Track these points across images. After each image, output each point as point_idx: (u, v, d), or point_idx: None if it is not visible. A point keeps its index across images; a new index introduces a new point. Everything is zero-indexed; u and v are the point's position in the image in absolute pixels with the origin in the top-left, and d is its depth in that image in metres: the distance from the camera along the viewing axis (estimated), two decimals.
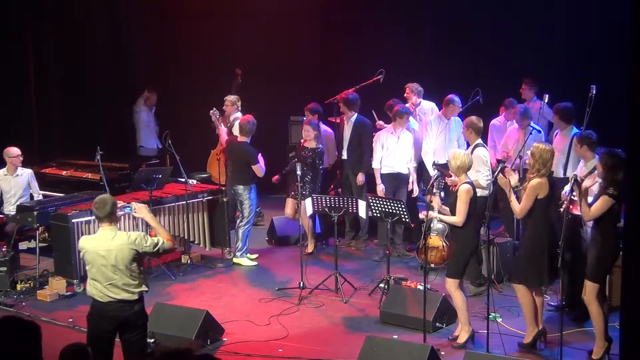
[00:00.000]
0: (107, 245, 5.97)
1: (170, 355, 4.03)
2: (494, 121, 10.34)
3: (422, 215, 7.69)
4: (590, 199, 7.05)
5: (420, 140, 10.08)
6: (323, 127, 10.58)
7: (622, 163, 6.86)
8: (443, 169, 8.32)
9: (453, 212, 7.33)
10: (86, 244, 6.11)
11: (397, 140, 9.88)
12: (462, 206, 7.21)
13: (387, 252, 8.91)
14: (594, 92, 8.85)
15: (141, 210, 6.43)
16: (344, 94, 10.36)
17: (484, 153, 8.63)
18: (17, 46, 12.59)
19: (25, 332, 4.21)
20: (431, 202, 7.47)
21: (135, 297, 6.03)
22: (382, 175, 9.97)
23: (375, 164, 10.04)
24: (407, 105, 10.33)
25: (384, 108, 10.36)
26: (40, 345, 4.28)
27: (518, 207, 7.15)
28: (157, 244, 6.09)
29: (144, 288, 6.11)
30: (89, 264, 6.06)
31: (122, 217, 8.98)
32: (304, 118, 10.78)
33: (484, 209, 7.62)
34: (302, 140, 10.23)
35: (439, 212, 7.51)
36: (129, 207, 6.42)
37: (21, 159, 9.95)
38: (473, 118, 8.68)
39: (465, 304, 7.40)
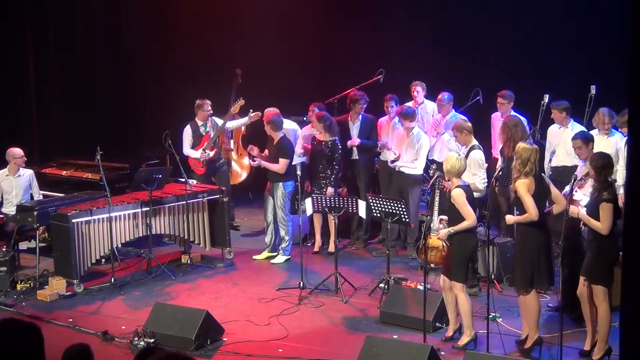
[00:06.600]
0: None
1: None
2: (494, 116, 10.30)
3: (439, 235, 7.48)
4: (585, 201, 7.02)
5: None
6: None
7: (612, 162, 6.88)
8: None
9: (449, 216, 7.31)
10: None
11: (406, 139, 9.76)
12: (466, 209, 7.15)
13: (387, 252, 8.90)
14: (594, 92, 8.84)
15: None
16: (351, 95, 10.29)
17: (480, 156, 8.61)
18: (17, 46, 12.59)
19: (27, 334, 4.20)
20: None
21: None
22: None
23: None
24: (410, 104, 10.30)
25: (383, 100, 10.28)
26: (43, 348, 4.27)
27: (527, 214, 6.90)
28: None
29: None
30: None
31: (119, 216, 9.07)
32: (305, 117, 10.77)
33: (479, 210, 7.60)
34: (317, 134, 10.04)
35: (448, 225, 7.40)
36: None
37: (25, 159, 9.96)
38: (460, 121, 8.73)
39: (471, 307, 7.35)
